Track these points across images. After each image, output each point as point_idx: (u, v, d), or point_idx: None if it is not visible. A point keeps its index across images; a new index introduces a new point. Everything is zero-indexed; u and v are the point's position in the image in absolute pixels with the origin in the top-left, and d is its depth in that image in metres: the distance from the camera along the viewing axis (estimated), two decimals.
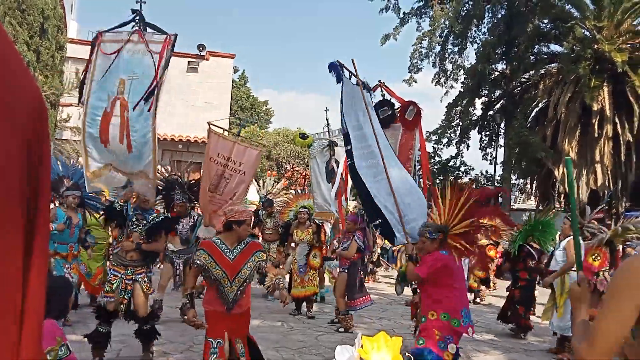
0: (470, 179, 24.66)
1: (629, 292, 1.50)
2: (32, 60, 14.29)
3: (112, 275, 5.61)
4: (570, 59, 19.17)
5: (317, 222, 9.33)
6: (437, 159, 24.84)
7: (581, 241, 7.87)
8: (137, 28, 5.43)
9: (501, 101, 23.52)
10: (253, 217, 9.16)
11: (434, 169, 24.03)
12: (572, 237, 7.30)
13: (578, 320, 1.81)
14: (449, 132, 24.21)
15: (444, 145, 24.61)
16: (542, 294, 9.85)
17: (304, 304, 9.10)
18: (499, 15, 22.80)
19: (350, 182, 7.80)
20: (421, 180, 6.74)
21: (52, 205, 6.63)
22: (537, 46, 22.30)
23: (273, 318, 8.51)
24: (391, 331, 7.55)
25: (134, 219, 5.61)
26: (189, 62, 20.77)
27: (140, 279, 5.55)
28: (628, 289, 1.50)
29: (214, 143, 7.32)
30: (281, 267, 9.50)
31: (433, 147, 24.22)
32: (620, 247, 8.04)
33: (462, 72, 23.98)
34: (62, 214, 6.78)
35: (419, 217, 5.32)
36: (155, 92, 5.22)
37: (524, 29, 20.87)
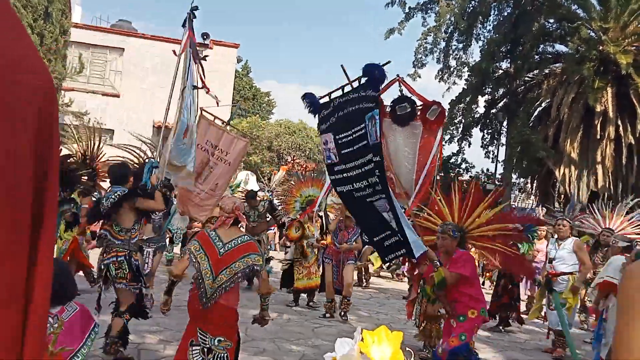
0: (470, 176, 24.67)
1: None
2: (35, 43, 14.23)
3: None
4: (575, 59, 19.12)
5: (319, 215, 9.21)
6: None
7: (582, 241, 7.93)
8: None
9: (504, 100, 23.47)
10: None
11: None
12: (577, 238, 7.32)
13: None
14: (451, 129, 24.16)
15: (445, 142, 24.59)
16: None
17: (302, 295, 9.10)
18: (505, 13, 22.71)
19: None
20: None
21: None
22: (542, 46, 22.23)
23: (270, 309, 8.50)
24: (389, 325, 7.55)
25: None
26: None
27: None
28: None
29: (204, 129, 7.15)
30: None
31: None
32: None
33: (466, 69, 23.92)
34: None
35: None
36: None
37: (529, 28, 20.79)
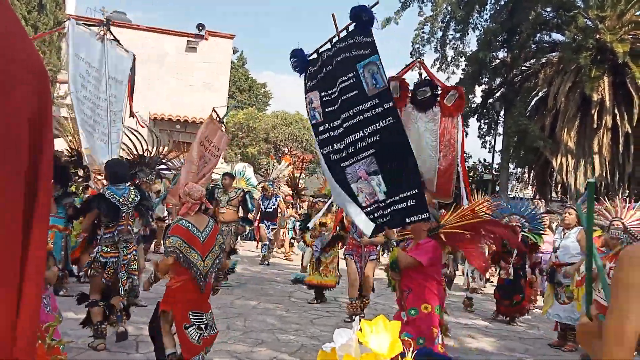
0: (468, 167, 24.66)
1: None
2: (29, 35, 14.14)
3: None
4: (572, 48, 19.09)
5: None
6: None
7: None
8: None
9: (501, 89, 23.43)
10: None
11: None
12: (581, 228, 6.99)
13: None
14: None
15: None
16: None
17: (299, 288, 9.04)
18: (502, 2, 22.58)
19: None
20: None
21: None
22: (538, 35, 22.15)
23: (268, 300, 8.53)
24: (387, 315, 7.56)
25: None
26: (187, 41, 20.62)
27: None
28: None
29: (210, 128, 7.22)
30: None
31: None
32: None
33: (463, 58, 23.84)
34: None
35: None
36: None
37: (526, 16, 20.70)
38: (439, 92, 5.66)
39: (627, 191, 18.79)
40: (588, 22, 19.32)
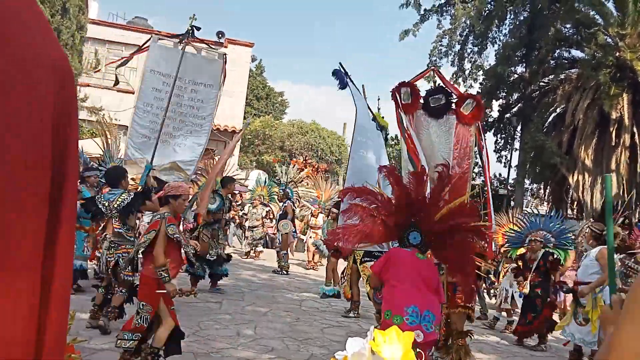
0: (482, 181, 24.48)
1: None
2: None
3: None
4: (591, 65, 18.95)
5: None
6: None
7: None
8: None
9: (519, 104, 23.32)
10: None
11: None
12: (602, 247, 6.74)
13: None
14: None
15: None
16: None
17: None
18: (521, 18, 22.55)
19: None
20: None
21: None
22: (557, 51, 22.05)
23: (279, 308, 8.52)
24: None
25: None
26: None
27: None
28: None
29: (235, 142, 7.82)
30: None
31: None
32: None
33: (481, 72, 23.77)
34: (87, 193, 7.17)
35: None
36: None
37: (545, 32, 20.63)
38: (454, 100, 5.68)
39: None
40: (608, 39, 19.18)
